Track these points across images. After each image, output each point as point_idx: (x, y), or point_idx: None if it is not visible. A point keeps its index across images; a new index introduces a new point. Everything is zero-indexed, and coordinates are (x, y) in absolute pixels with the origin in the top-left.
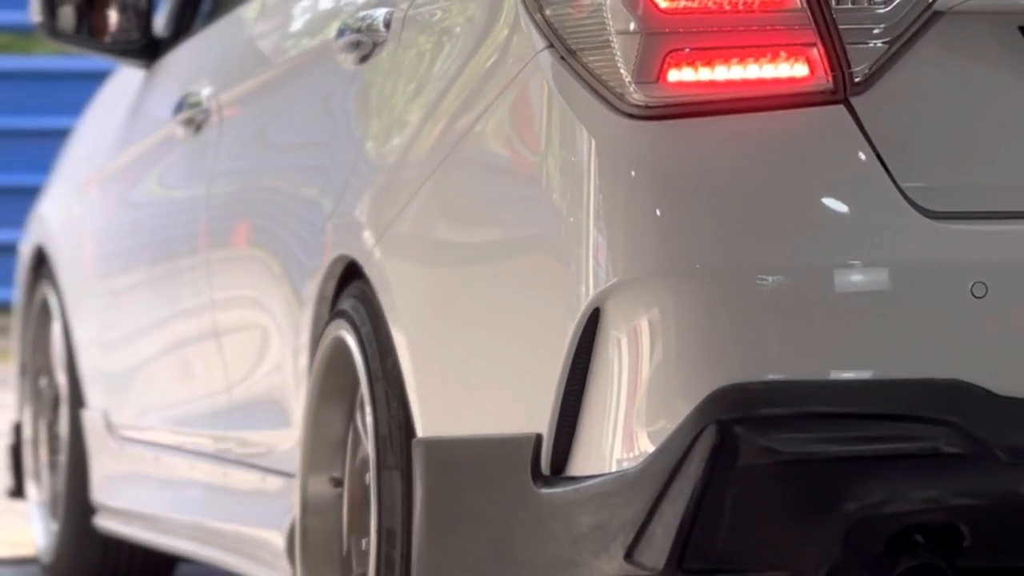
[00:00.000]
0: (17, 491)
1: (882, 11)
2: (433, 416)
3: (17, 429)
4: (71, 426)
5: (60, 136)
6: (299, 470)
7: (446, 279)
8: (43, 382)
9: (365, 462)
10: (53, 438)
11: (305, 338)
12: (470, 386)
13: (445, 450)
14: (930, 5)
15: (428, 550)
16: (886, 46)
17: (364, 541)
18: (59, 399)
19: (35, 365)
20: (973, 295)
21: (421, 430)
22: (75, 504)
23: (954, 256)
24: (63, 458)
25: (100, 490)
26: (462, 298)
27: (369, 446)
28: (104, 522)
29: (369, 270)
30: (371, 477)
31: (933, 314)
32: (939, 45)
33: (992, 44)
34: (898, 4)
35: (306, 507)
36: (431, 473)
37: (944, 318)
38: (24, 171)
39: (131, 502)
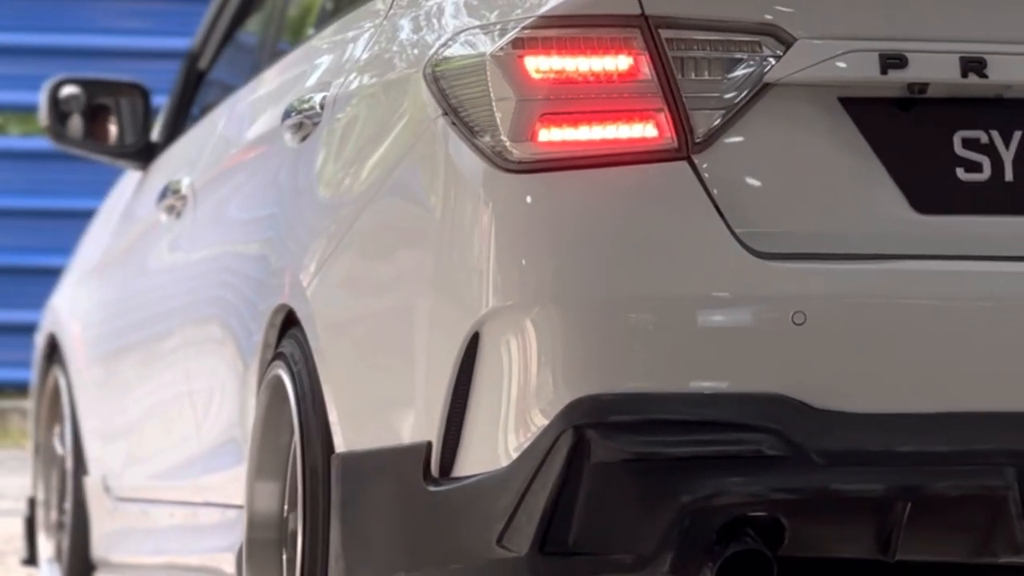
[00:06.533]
0: (31, 559)
1: (720, 82)
2: (348, 433)
3: (31, 503)
4: (74, 494)
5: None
6: (246, 490)
7: (358, 317)
8: (57, 451)
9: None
10: (62, 501)
11: (253, 381)
12: (377, 406)
13: (356, 461)
14: (761, 77)
15: (344, 545)
16: (723, 112)
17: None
18: (66, 468)
19: (48, 442)
20: (794, 323)
21: (339, 446)
22: (77, 561)
23: (778, 290)
24: (67, 518)
25: (99, 546)
26: (370, 333)
27: (298, 464)
28: None
29: (301, 316)
30: (299, 486)
31: (760, 338)
32: (770, 111)
33: (816, 111)
34: (734, 75)
35: (252, 522)
36: (345, 481)
37: (769, 342)
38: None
39: (124, 554)
